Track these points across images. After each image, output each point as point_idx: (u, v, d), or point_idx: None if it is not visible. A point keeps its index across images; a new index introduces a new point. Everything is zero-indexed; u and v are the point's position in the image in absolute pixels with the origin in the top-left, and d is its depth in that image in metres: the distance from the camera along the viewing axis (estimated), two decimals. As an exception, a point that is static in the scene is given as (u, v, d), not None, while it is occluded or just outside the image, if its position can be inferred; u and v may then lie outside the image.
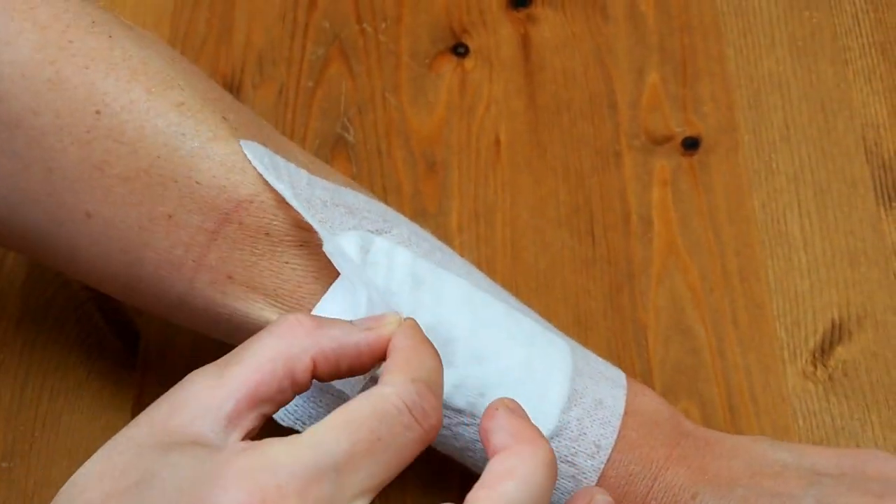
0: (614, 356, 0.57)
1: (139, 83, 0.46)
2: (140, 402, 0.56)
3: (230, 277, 0.46)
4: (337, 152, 0.62)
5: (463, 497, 0.39)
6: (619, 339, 0.57)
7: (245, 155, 0.47)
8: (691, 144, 0.62)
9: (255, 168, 0.46)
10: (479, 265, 0.55)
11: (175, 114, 0.46)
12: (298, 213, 0.46)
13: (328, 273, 0.46)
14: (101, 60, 0.46)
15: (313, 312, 0.45)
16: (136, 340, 0.58)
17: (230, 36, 0.66)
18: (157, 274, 0.47)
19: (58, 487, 0.52)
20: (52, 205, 0.46)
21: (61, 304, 0.58)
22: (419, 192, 0.61)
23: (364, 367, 0.41)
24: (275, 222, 0.46)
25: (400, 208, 0.60)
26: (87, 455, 0.53)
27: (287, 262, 0.46)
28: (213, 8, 0.67)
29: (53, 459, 0.54)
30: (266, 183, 0.46)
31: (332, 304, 0.45)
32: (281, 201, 0.46)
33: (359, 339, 0.41)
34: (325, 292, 0.46)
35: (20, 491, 0.54)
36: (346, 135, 0.63)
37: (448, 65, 0.65)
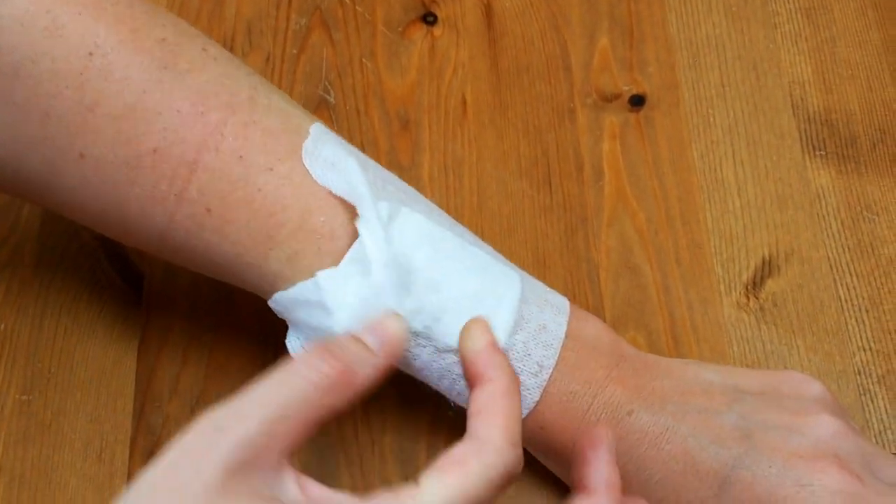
0: (570, 291, 0.57)
1: (125, 24, 0.46)
2: (145, 337, 0.56)
3: (208, 210, 0.46)
4: (319, 113, 0.62)
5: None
6: (574, 276, 0.58)
7: (222, 81, 0.46)
8: (637, 102, 0.63)
9: (228, 94, 0.46)
10: (448, 212, 0.55)
11: (158, 48, 0.46)
12: (265, 136, 0.46)
13: (295, 204, 0.46)
14: (92, 6, 0.45)
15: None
16: (140, 281, 0.58)
17: (222, 8, 0.66)
18: (143, 210, 0.46)
19: (73, 417, 0.54)
20: (48, 149, 0.46)
21: (73, 251, 0.58)
22: (394, 148, 0.61)
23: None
24: (245, 144, 0.46)
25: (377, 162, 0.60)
26: (99, 387, 0.55)
27: (259, 189, 0.46)
28: (205, -18, 0.66)
29: (68, 391, 0.55)
30: (234, 107, 0.46)
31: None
32: (249, 123, 0.46)
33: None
34: (294, 225, 0.46)
35: (39, 422, 0.54)
36: (327, 97, 0.63)
37: (419, 32, 0.65)
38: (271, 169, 0.46)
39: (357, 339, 0.41)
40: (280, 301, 0.47)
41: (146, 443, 0.53)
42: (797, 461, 0.44)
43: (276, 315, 0.49)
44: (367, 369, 0.40)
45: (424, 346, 0.47)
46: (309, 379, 0.39)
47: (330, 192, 0.46)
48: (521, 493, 0.52)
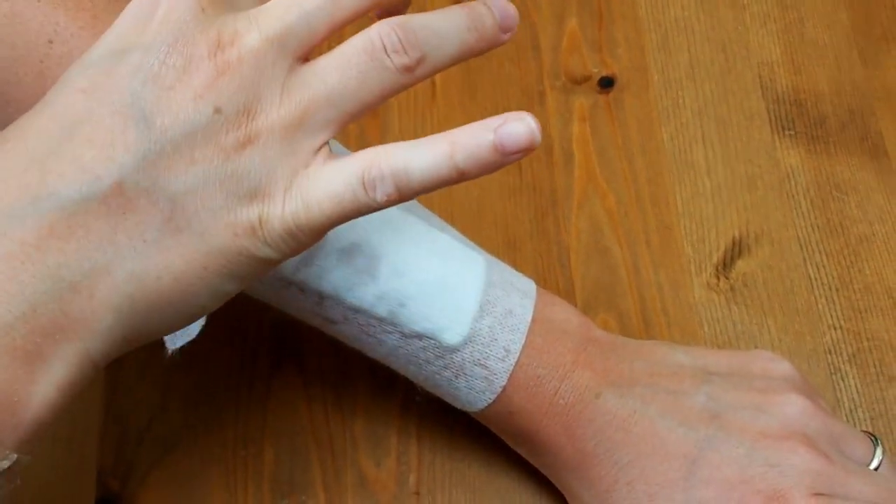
0: (540, 274, 0.57)
1: (86, 10, 0.45)
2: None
3: None
4: (288, 97, 0.62)
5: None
6: (545, 259, 0.58)
7: None
8: (607, 83, 0.62)
9: None
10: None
11: None
12: None
13: None
14: None
15: None
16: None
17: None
18: None
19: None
20: None
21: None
22: (363, 132, 0.61)
23: None
24: None
25: (345, 147, 0.59)
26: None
27: None
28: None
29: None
30: None
31: None
32: None
33: None
34: None
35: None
36: (295, 81, 0.63)
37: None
38: None
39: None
40: None
41: (115, 430, 0.53)
42: (765, 441, 0.44)
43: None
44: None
45: (390, 333, 0.46)
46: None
47: None
48: (510, 492, 0.52)
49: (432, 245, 0.47)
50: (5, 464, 0.35)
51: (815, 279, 0.57)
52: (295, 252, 0.38)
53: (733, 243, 0.58)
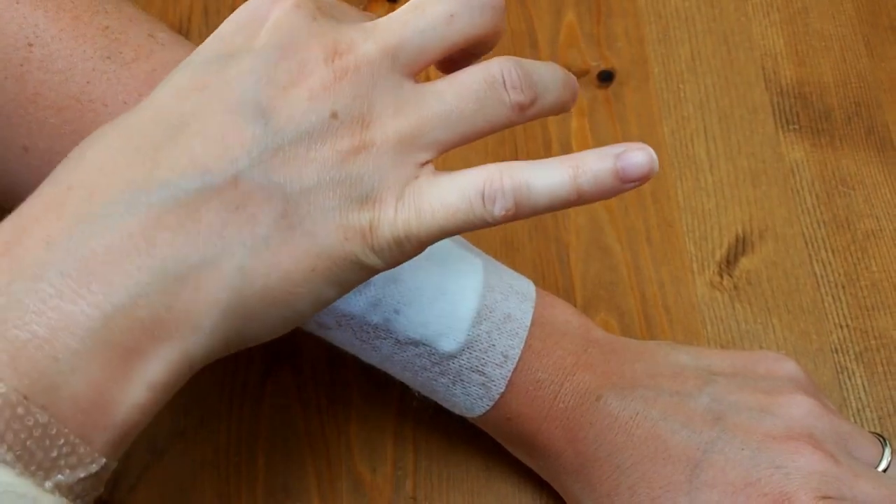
0: (539, 273, 0.56)
1: (66, 12, 0.45)
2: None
3: None
4: (280, 94, 0.61)
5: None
6: (544, 257, 0.57)
7: (170, 68, 0.45)
8: (606, 77, 0.62)
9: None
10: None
11: (101, 37, 0.45)
12: None
13: None
14: None
15: None
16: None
17: (177, -12, 0.65)
18: None
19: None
20: None
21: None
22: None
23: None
24: None
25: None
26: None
27: None
28: (160, -38, 0.65)
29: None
30: None
31: None
32: None
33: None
34: None
35: None
36: (288, 78, 0.62)
37: (381, 10, 0.64)
38: None
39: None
40: None
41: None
42: (770, 443, 0.44)
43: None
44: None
45: (385, 339, 0.46)
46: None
47: None
48: (508, 496, 0.51)
49: (429, 249, 0.46)
50: (93, 468, 0.33)
51: (821, 276, 0.56)
52: (398, 262, 0.38)
53: (736, 240, 0.57)
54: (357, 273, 0.37)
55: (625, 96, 0.61)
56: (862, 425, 0.52)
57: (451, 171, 0.38)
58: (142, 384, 0.34)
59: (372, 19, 0.39)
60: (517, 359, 0.46)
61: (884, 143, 0.59)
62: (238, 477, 0.52)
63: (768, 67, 0.62)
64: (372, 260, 0.37)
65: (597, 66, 0.62)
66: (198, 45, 0.58)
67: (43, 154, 0.45)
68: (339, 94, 0.36)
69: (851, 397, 0.53)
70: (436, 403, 0.49)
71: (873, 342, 0.54)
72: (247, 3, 0.38)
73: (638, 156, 0.38)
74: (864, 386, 0.53)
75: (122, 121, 0.37)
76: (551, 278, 0.56)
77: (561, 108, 0.40)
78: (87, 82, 0.44)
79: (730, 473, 0.43)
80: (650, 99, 0.61)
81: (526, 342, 0.46)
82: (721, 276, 0.56)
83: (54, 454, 0.32)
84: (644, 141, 0.59)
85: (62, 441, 0.32)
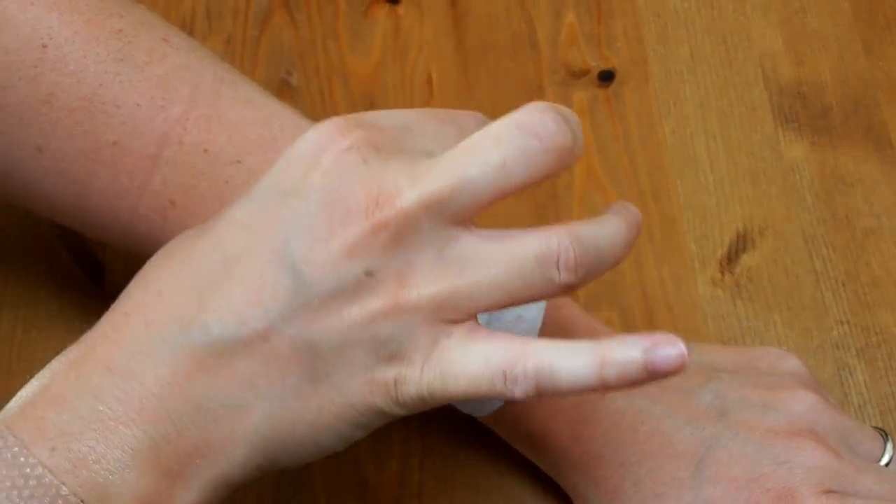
0: (541, 272, 0.57)
1: (80, 14, 0.45)
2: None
3: (172, 203, 0.45)
4: (282, 96, 0.62)
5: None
6: (546, 256, 0.57)
7: (183, 72, 0.46)
8: (606, 77, 0.62)
9: (189, 86, 0.45)
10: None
11: (114, 40, 0.45)
12: (231, 129, 0.45)
13: None
14: None
15: None
16: (101, 273, 0.57)
17: (179, -9, 0.65)
18: (104, 203, 0.46)
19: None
20: (3, 142, 0.45)
21: (30, 242, 0.58)
22: (359, 129, 0.61)
23: None
24: (210, 137, 0.45)
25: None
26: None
27: (227, 182, 0.45)
28: (162, -35, 0.65)
29: (30, 386, 0.54)
30: (197, 100, 0.45)
31: None
32: (213, 117, 0.45)
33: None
34: None
35: None
36: (289, 79, 0.62)
37: (382, 11, 0.65)
38: (239, 161, 0.45)
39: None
40: None
41: (110, 437, 0.53)
42: (773, 438, 0.44)
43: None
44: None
45: None
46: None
47: None
48: (514, 494, 0.51)
49: None
50: None
51: (822, 273, 0.57)
52: (421, 410, 0.38)
53: (737, 238, 0.58)
54: (383, 419, 0.38)
55: (625, 96, 0.62)
56: (863, 421, 0.52)
57: (483, 332, 0.37)
58: (183, 500, 0.37)
59: (461, 129, 0.38)
60: None
61: (882, 141, 0.60)
62: (244, 476, 0.52)
63: (767, 67, 0.62)
64: (395, 411, 0.38)
65: (597, 66, 0.62)
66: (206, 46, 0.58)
67: (56, 154, 0.45)
68: (376, 250, 0.35)
69: (853, 393, 0.54)
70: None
71: (874, 338, 0.55)
72: (312, 131, 0.37)
73: (668, 351, 0.36)
74: (865, 382, 0.54)
75: (187, 242, 0.39)
76: (553, 277, 0.57)
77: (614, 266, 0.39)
78: (100, 84, 0.45)
79: (733, 469, 0.44)
80: (650, 98, 0.61)
81: None
82: (722, 274, 0.57)
83: None
84: (645, 140, 0.60)
85: None
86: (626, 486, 0.46)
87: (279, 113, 0.47)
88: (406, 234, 0.35)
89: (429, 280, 0.36)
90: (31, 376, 0.53)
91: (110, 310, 0.39)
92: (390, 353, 0.36)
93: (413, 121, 0.38)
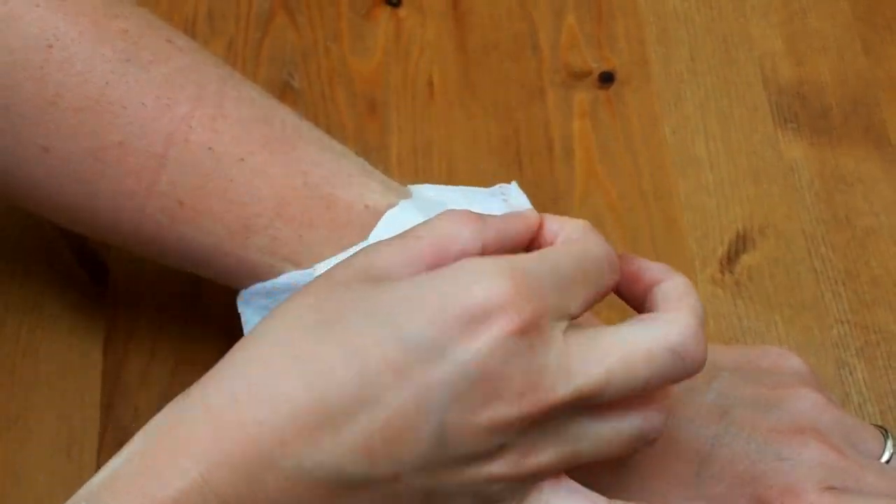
0: (543, 272, 0.57)
1: (85, 15, 0.45)
2: (112, 331, 0.56)
3: (180, 203, 0.46)
4: (284, 98, 0.62)
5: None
6: (548, 256, 0.58)
7: (188, 73, 0.46)
8: (607, 78, 0.63)
9: (194, 85, 0.46)
10: (418, 195, 0.55)
11: (120, 40, 0.45)
12: (235, 128, 0.46)
13: (270, 194, 0.46)
14: None
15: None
16: (104, 274, 0.57)
17: (181, -7, 0.65)
18: (111, 204, 0.46)
19: (39, 413, 0.53)
20: (10, 142, 0.45)
21: (33, 243, 0.58)
22: (361, 131, 0.61)
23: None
24: (215, 136, 0.46)
25: (344, 146, 0.60)
26: (66, 381, 0.54)
27: (232, 180, 0.45)
28: (164, -33, 0.66)
29: (34, 387, 0.54)
30: (202, 99, 0.46)
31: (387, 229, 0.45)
32: (218, 116, 0.46)
33: (518, 229, 0.41)
34: (271, 214, 0.45)
35: (4, 418, 0.53)
36: (291, 81, 0.63)
37: (383, 13, 0.65)
38: (243, 160, 0.46)
39: None
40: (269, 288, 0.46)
41: (115, 437, 0.53)
42: (776, 436, 0.44)
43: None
44: None
45: None
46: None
47: (305, 183, 0.46)
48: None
49: None
50: None
51: (822, 272, 0.57)
52: None
53: (737, 238, 0.58)
54: None
55: (626, 97, 0.62)
56: (863, 419, 0.53)
57: (563, 485, 0.40)
58: None
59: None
60: None
61: (881, 140, 0.60)
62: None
63: (767, 67, 0.63)
64: None
65: (598, 67, 0.63)
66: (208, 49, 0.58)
67: (62, 154, 0.45)
68: (516, 429, 0.37)
69: (853, 392, 0.54)
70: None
71: (874, 337, 0.55)
72: (479, 288, 0.37)
73: None
74: (865, 380, 0.54)
75: (315, 346, 0.37)
76: (555, 277, 0.57)
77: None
78: (106, 84, 0.45)
79: (737, 466, 0.44)
80: (651, 99, 0.62)
81: None
82: (723, 273, 0.57)
83: None
84: (646, 141, 0.60)
85: None
86: (631, 486, 0.46)
87: (279, 112, 0.48)
88: (545, 420, 0.37)
89: (549, 454, 0.38)
90: (34, 376, 0.54)
91: (229, 400, 0.37)
92: (492, 500, 0.39)
93: (563, 269, 0.39)
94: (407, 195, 0.48)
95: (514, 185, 0.48)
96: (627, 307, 0.56)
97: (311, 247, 0.46)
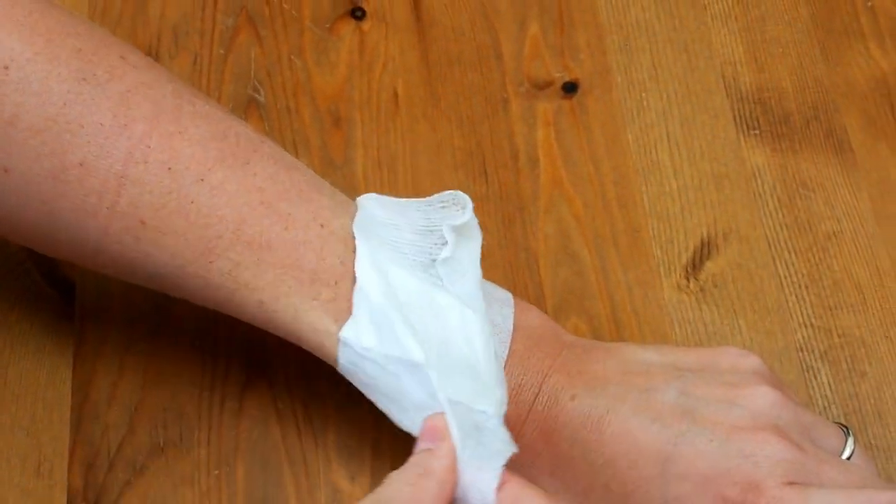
0: (510, 282, 0.58)
1: (40, 35, 0.45)
2: (80, 347, 0.56)
3: (142, 223, 0.46)
4: (249, 112, 0.63)
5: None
6: (514, 266, 0.58)
7: (144, 90, 0.46)
8: (570, 88, 0.63)
9: (150, 103, 0.46)
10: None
11: (75, 59, 0.46)
12: (193, 146, 0.46)
13: (229, 214, 0.46)
14: (6, 19, 0.45)
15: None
16: (72, 291, 0.57)
17: (145, 10, 0.66)
18: (73, 224, 0.46)
19: (8, 431, 0.53)
20: None
21: (0, 262, 0.58)
22: (326, 146, 0.62)
23: None
24: (173, 155, 0.46)
25: (309, 161, 0.60)
26: (36, 400, 0.54)
27: (192, 202, 0.46)
28: (127, -15, 0.66)
29: (2, 406, 0.55)
30: (159, 117, 0.46)
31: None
32: (175, 133, 0.46)
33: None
34: (231, 236, 0.46)
35: (-28, 436, 0.54)
36: (257, 96, 0.63)
37: (347, 27, 0.65)
38: (202, 179, 0.46)
39: None
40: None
41: (85, 454, 0.53)
42: (738, 433, 0.45)
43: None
44: None
45: (373, 361, 0.47)
46: None
47: (262, 201, 0.47)
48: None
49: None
50: None
51: (785, 277, 0.58)
52: None
53: (701, 244, 0.59)
54: None
55: (589, 106, 0.63)
56: (828, 421, 0.54)
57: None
58: None
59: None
60: (503, 363, 0.48)
61: (842, 145, 0.61)
62: (219, 491, 0.53)
63: (728, 74, 0.63)
64: None
65: (561, 77, 0.63)
66: (167, 67, 0.59)
67: (23, 175, 0.45)
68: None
69: (817, 395, 0.55)
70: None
71: (837, 340, 0.56)
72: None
73: None
74: (829, 384, 0.55)
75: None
76: (521, 286, 0.58)
77: None
78: (64, 104, 0.45)
79: (700, 465, 0.45)
80: (614, 107, 0.63)
81: (510, 346, 0.48)
82: (687, 280, 0.58)
83: None
84: (609, 149, 0.61)
85: None
86: (596, 487, 0.47)
87: (233, 126, 0.49)
88: None
89: None
90: (2, 395, 0.54)
91: None
92: None
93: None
94: (353, 210, 0.49)
95: (466, 199, 0.49)
96: (595, 315, 0.57)
97: (269, 269, 0.47)
